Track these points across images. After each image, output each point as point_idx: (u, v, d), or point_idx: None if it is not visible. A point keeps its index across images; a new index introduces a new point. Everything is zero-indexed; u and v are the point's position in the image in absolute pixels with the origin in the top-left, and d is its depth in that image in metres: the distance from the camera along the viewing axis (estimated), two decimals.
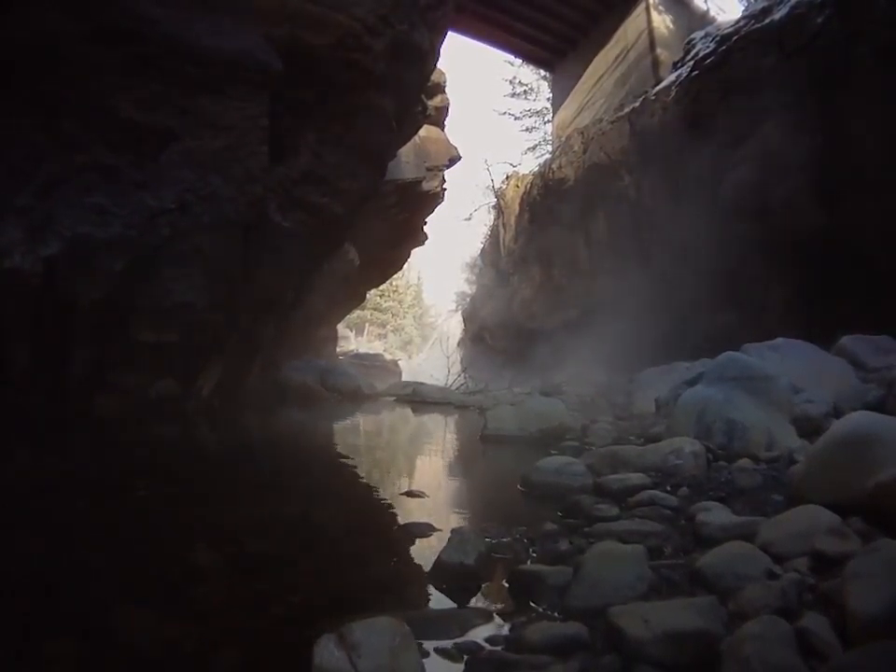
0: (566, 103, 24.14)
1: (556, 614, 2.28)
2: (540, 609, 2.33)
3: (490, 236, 27.51)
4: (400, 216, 19.64)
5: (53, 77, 7.05)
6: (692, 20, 19.55)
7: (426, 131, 18.53)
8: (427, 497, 4.38)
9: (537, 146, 32.25)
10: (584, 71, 22.70)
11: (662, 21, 19.74)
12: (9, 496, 4.06)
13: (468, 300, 29.18)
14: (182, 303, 8.54)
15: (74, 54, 7.01)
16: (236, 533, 3.45)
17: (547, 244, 20.38)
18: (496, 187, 28.19)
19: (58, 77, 7.07)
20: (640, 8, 20.01)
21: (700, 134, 13.56)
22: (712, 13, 20.86)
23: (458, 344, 30.25)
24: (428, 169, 19.95)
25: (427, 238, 23.74)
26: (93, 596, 2.49)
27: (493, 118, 64.95)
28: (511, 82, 33.23)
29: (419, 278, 53.90)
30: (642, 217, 15.24)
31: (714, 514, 3.00)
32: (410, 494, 4.42)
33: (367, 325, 43.68)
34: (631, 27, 20.33)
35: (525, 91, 32.99)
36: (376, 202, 13.67)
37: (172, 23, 7.39)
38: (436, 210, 22.63)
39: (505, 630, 2.18)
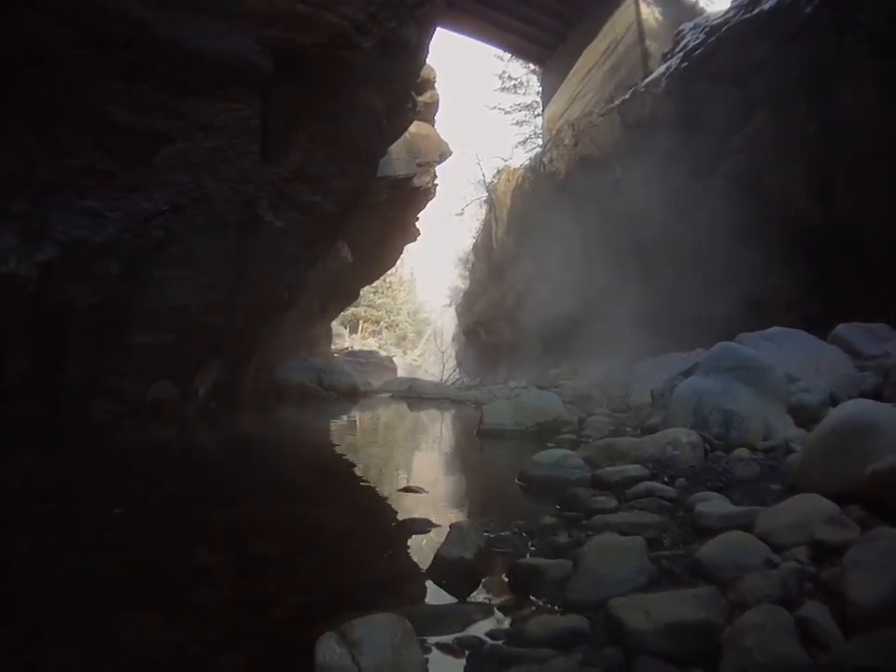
0: (556, 96, 24.10)
1: (557, 607, 2.28)
2: (541, 603, 2.34)
3: (482, 231, 27.49)
4: (393, 212, 19.62)
5: (45, 83, 7.03)
6: (680, 11, 19.48)
7: (416, 127, 18.50)
8: (426, 492, 4.39)
9: (527, 139, 32.12)
10: (574, 64, 22.64)
11: (650, 13, 19.68)
12: (10, 501, 4.06)
13: (461, 295, 29.13)
14: (177, 305, 8.56)
15: (65, 59, 6.99)
16: (237, 534, 3.46)
17: (540, 237, 20.37)
18: (487, 181, 28.19)
19: (49, 83, 7.05)
20: (629, 0, 19.98)
21: (691, 125, 13.55)
22: (701, 4, 20.82)
23: (453, 340, 30.29)
24: (419, 165, 19.92)
25: (419, 234, 23.73)
26: (97, 600, 2.49)
27: (483, 112, 64.84)
28: (500, 77, 33.12)
29: (412, 274, 53.80)
30: (635, 209, 15.22)
31: (713, 504, 3.01)
32: (408, 490, 4.43)
33: (361, 322, 43.56)
34: (619, 19, 20.27)
35: (514, 85, 32.83)
36: (368, 199, 13.65)
37: (162, 27, 7.36)
38: (428, 206, 22.62)
39: (506, 624, 2.19)
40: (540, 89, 27.61)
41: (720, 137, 12.83)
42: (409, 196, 19.99)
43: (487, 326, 23.96)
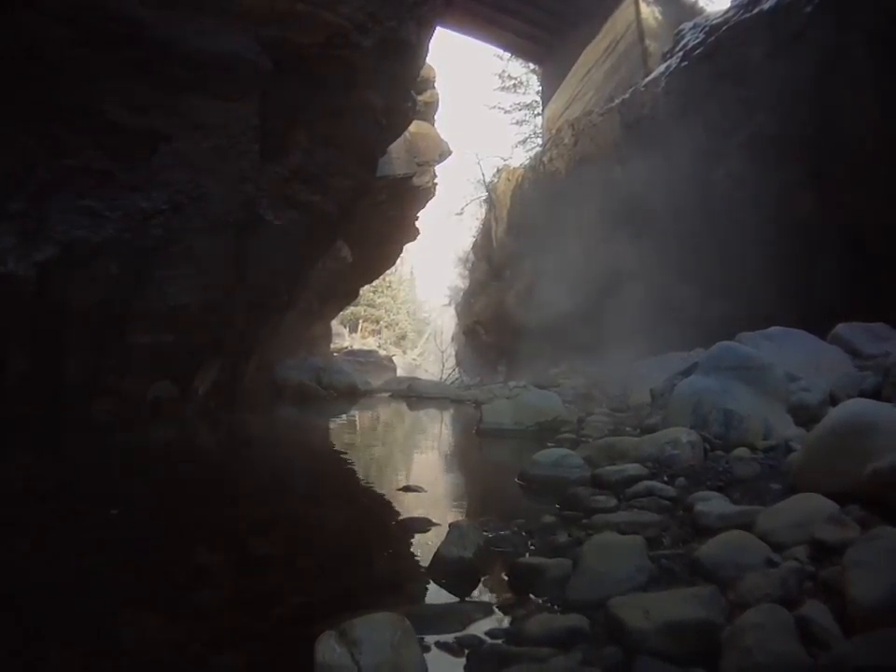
0: (555, 95, 24.07)
1: (556, 606, 2.29)
2: (540, 602, 2.34)
3: (482, 230, 27.45)
4: (392, 211, 19.60)
5: (45, 83, 7.01)
6: (680, 10, 19.46)
7: (416, 126, 18.47)
8: (425, 491, 4.40)
9: (527, 139, 32.07)
10: (574, 63, 22.61)
11: (650, 13, 19.67)
12: (10, 501, 4.06)
13: (461, 294, 29.08)
14: (176, 305, 8.55)
15: (65, 59, 6.97)
16: (237, 534, 3.46)
17: (539, 237, 20.36)
18: (487, 181, 28.17)
19: (49, 82, 7.04)
20: (628, 0, 19.97)
21: (691, 125, 13.55)
22: (700, 3, 20.82)
23: (452, 339, 30.26)
24: (419, 164, 19.91)
25: (419, 233, 23.72)
26: (97, 600, 2.49)
27: (483, 112, 64.75)
28: (500, 76, 33.09)
29: (412, 273, 53.69)
30: (634, 210, 15.21)
31: (712, 504, 3.01)
32: (407, 489, 4.44)
33: (361, 321, 43.49)
34: (619, 18, 20.25)
35: (514, 84, 32.76)
36: (368, 198, 13.65)
37: (161, 26, 7.35)
38: (428, 205, 22.61)
39: (505, 623, 2.19)
40: (540, 88, 27.61)
41: (719, 137, 12.82)
42: (409, 195, 19.98)
43: (487, 325, 23.92)
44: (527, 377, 16.49)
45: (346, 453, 7.00)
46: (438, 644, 2.02)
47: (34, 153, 7.21)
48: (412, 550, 3.16)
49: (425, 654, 1.86)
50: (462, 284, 29.69)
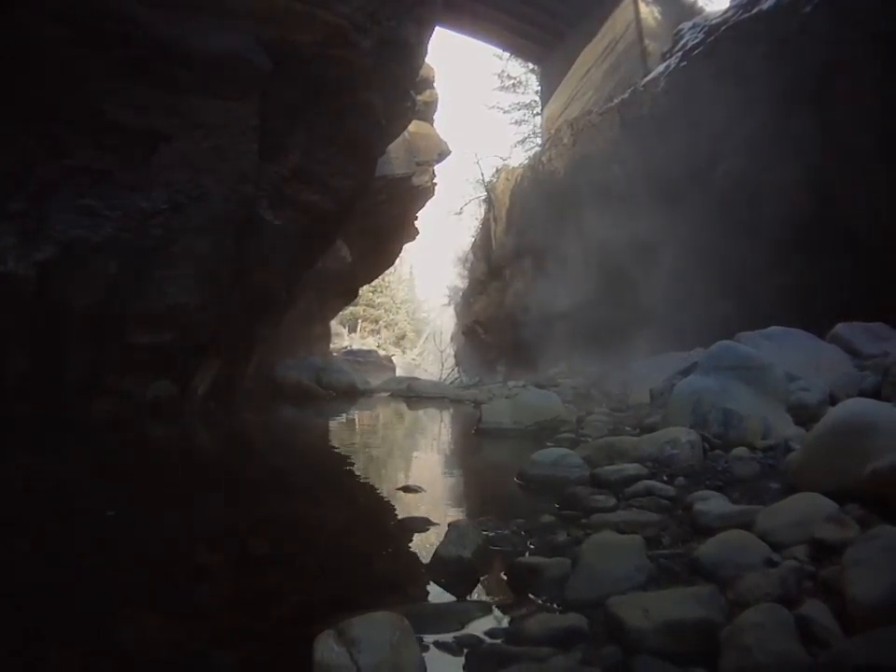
0: (555, 95, 24.07)
1: (556, 606, 2.28)
2: (540, 601, 2.33)
3: (481, 230, 27.43)
4: (391, 211, 19.62)
5: (45, 83, 7.01)
6: (680, 10, 19.46)
7: (415, 126, 18.51)
8: (424, 491, 4.39)
9: (526, 139, 32.12)
10: (573, 63, 22.62)
11: (650, 13, 19.69)
12: (10, 501, 4.05)
13: (460, 294, 29.06)
14: (176, 305, 8.54)
15: (64, 59, 6.98)
16: (237, 534, 3.45)
17: (538, 236, 20.34)
18: (486, 180, 28.17)
19: (49, 83, 7.04)
20: (628, 0, 19.98)
21: (690, 125, 13.54)
22: (700, 3, 20.82)
23: (452, 339, 30.26)
24: (418, 164, 19.95)
25: (418, 233, 23.73)
26: (97, 600, 2.48)
27: (482, 111, 64.66)
28: (499, 76, 33.12)
29: (411, 273, 53.69)
30: (633, 209, 15.20)
31: (712, 503, 3.00)
32: (407, 489, 4.43)
33: (360, 321, 43.54)
34: (619, 18, 20.26)
35: (513, 84, 32.79)
36: (367, 198, 13.64)
37: (159, 25, 7.36)
38: (427, 205, 22.62)
39: (505, 623, 2.18)
40: (539, 88, 27.64)
41: (719, 137, 12.81)
42: (408, 195, 20.00)
43: (486, 325, 23.91)
44: (527, 377, 16.50)
45: (346, 453, 6.99)
46: (437, 643, 2.01)
47: (34, 153, 7.20)
48: (411, 549, 3.15)
49: (424, 654, 1.85)
50: (461, 284, 29.66)
